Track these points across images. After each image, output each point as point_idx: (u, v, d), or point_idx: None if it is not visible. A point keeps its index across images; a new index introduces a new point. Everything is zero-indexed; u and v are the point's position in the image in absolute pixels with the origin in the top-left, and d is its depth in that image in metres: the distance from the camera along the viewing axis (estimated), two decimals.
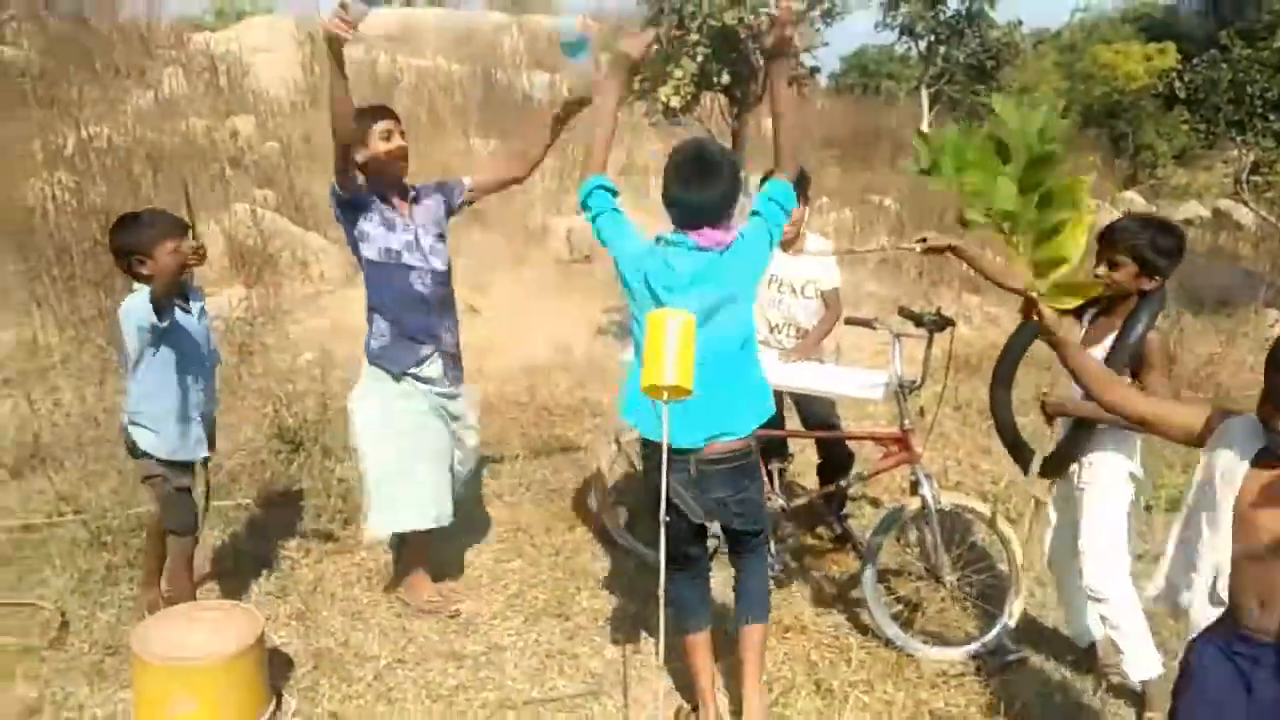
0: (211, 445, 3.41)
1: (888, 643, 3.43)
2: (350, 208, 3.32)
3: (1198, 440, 2.10)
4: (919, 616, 3.61)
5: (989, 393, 3.37)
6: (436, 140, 11.16)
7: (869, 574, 3.47)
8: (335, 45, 2.94)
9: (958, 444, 5.33)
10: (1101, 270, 2.90)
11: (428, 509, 3.47)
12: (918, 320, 3.60)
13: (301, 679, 3.16)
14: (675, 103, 6.15)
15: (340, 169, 3.23)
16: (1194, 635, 2.11)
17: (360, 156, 3.28)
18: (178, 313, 3.12)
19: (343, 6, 2.87)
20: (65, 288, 6.35)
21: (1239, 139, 13.06)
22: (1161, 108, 20.60)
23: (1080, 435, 3.01)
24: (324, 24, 2.89)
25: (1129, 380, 2.86)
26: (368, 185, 3.32)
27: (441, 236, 3.46)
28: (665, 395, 2.50)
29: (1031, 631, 3.54)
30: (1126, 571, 3.02)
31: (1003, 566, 3.54)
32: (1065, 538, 3.25)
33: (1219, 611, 2.04)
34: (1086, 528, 3.04)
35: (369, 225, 3.32)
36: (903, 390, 3.58)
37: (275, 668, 3.13)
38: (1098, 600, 3.02)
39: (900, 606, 3.68)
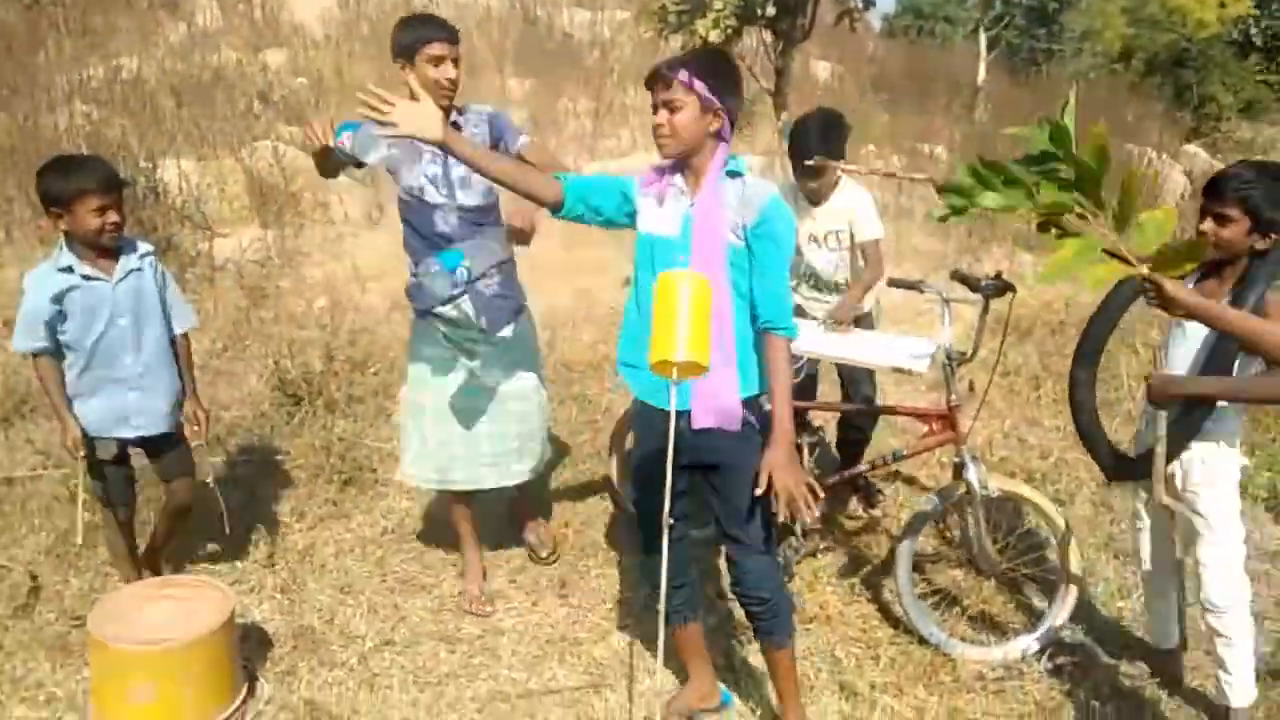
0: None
1: (921, 639, 3.13)
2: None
3: None
4: (957, 611, 3.30)
5: (1069, 373, 2.91)
6: (471, 79, 10.78)
7: (903, 563, 3.15)
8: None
9: (1004, 414, 4.95)
10: (1207, 226, 2.44)
11: (424, 467, 3.23)
12: (974, 285, 3.22)
13: (279, 660, 2.93)
14: (714, 37, 5.74)
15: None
16: None
17: (406, 73, 2.86)
18: (78, 281, 2.79)
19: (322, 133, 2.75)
20: None
21: None
22: (1235, 56, 19.52)
23: (1190, 425, 2.54)
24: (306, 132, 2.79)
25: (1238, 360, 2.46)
26: None
27: None
28: (675, 373, 2.17)
29: (1085, 629, 3.22)
30: (1247, 582, 2.65)
31: (1053, 557, 3.21)
32: (1160, 539, 2.88)
33: None
34: (1209, 537, 2.61)
35: (395, 166, 3.00)
36: (951, 362, 3.22)
37: (253, 646, 2.92)
38: (1218, 613, 2.63)
39: (937, 599, 3.37)
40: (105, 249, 2.84)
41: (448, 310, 2.98)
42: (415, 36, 2.88)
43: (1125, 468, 2.81)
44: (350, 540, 3.62)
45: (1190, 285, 2.56)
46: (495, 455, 3.21)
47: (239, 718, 2.66)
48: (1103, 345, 2.87)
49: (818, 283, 3.77)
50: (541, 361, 3.33)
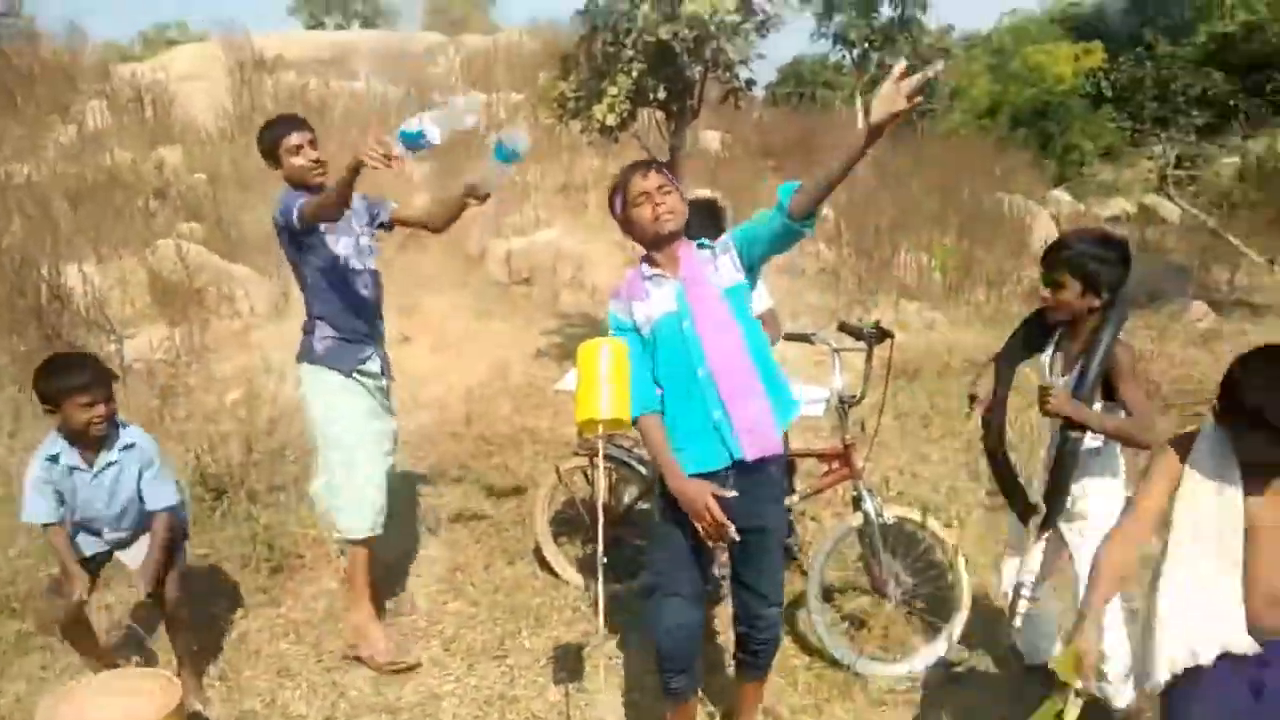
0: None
1: (835, 662, 3.37)
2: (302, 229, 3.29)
3: None
4: (865, 633, 3.55)
5: (987, 458, 3.13)
6: (372, 168, 10.96)
7: (814, 593, 3.41)
8: (356, 169, 2.91)
9: (898, 452, 5.30)
10: (1045, 293, 2.80)
11: (365, 516, 3.42)
12: (857, 334, 3.56)
13: None
14: (611, 120, 6.07)
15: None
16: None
17: (279, 172, 3.33)
18: (62, 471, 2.98)
19: (381, 144, 2.81)
20: None
21: (1163, 135, 13.35)
22: (1089, 107, 21.05)
23: (1068, 464, 2.80)
24: (361, 151, 2.82)
25: (1099, 404, 2.78)
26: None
27: (373, 237, 3.56)
28: (600, 429, 2.41)
29: (979, 640, 3.50)
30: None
31: (948, 578, 3.50)
32: (1033, 553, 3.08)
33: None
34: (1086, 565, 2.84)
35: (317, 236, 3.32)
36: (843, 405, 3.54)
37: None
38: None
39: (846, 624, 3.62)
40: (93, 439, 2.98)
41: (368, 366, 3.43)
42: (271, 136, 3.32)
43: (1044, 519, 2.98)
44: (283, 625, 3.69)
45: (1052, 345, 2.92)
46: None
47: None
48: (1003, 430, 3.08)
49: None
50: None
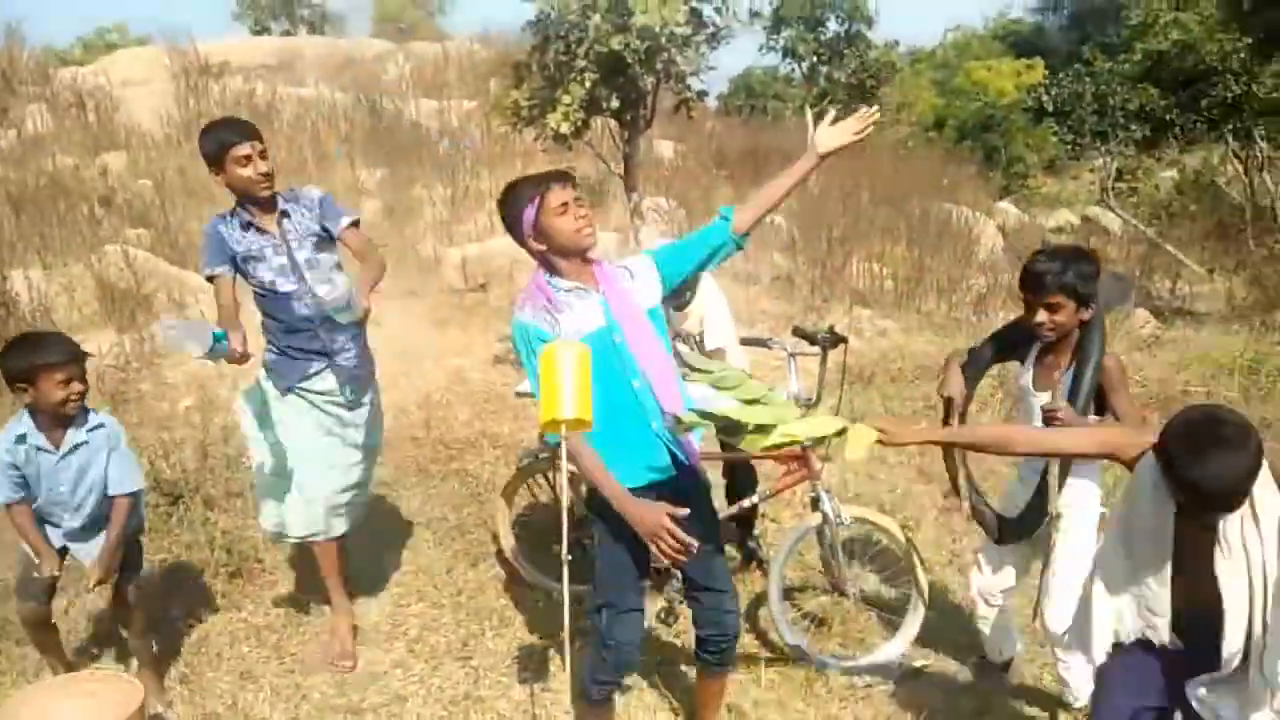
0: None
1: (797, 659, 3.44)
2: None
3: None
4: (826, 631, 3.63)
5: (944, 463, 3.27)
6: (323, 171, 10.87)
7: (775, 592, 3.47)
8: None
9: None
10: (1042, 317, 2.79)
11: (316, 522, 3.42)
12: (812, 339, 3.65)
13: None
14: (565, 129, 6.12)
15: None
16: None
17: (220, 179, 3.17)
18: (29, 451, 2.93)
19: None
20: None
21: (1103, 148, 13.76)
22: (1031, 121, 21.62)
23: (1059, 476, 2.88)
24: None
25: (1093, 417, 2.84)
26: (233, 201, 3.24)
27: (321, 246, 3.30)
28: (564, 429, 2.45)
29: (936, 637, 3.59)
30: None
31: (904, 576, 3.59)
32: (1005, 561, 3.19)
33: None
34: (1058, 568, 2.92)
35: (242, 264, 3.23)
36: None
37: None
38: (1059, 643, 2.94)
39: (808, 622, 3.69)
40: (67, 417, 2.94)
41: (313, 384, 3.30)
42: (218, 144, 3.11)
43: (1021, 527, 3.08)
44: (244, 629, 3.66)
45: (1031, 361, 2.99)
46: (350, 504, 3.51)
47: None
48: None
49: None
50: (383, 423, 3.69)
